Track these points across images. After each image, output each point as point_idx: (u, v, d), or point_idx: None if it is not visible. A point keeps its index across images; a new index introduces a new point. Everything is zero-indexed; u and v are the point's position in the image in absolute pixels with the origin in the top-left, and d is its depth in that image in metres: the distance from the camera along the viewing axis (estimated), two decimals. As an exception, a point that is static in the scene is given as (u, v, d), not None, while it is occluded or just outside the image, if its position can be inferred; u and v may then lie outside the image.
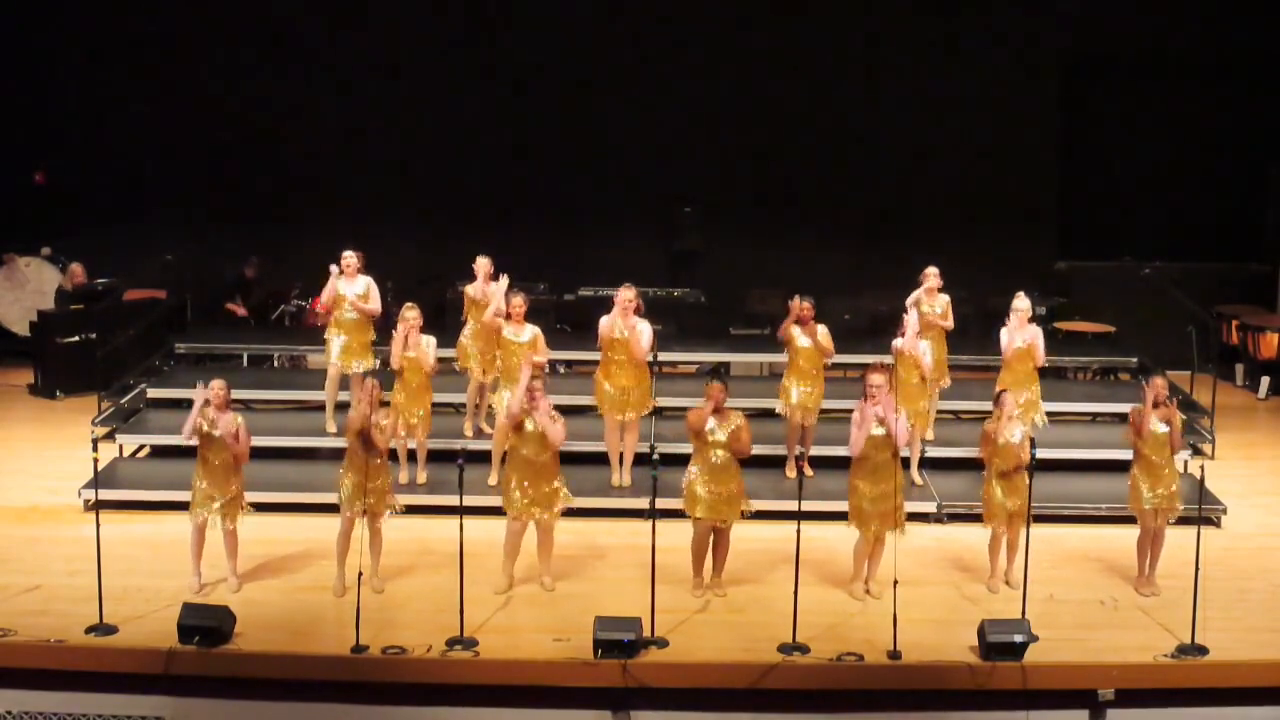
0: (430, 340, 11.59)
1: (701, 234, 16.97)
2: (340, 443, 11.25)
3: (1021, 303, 11.79)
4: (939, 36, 16.59)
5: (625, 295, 11.61)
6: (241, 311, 16.27)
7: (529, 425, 9.97)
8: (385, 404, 10.58)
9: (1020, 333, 11.72)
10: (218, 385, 9.95)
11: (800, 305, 11.65)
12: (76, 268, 15.77)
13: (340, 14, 16.73)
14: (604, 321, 11.62)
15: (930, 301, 12.41)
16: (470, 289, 12.33)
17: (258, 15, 16.57)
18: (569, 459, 11.62)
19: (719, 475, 9.93)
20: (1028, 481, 9.86)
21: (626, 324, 11.56)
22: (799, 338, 11.74)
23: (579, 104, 16.75)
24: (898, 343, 11.70)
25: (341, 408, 12.00)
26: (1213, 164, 16.93)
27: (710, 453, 9.92)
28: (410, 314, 11.51)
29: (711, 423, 9.92)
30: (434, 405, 11.75)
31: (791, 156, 16.72)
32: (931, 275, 12.41)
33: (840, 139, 16.69)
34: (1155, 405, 10.05)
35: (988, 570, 10.31)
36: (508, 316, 11.68)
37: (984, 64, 16.68)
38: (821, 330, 11.73)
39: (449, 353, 12.47)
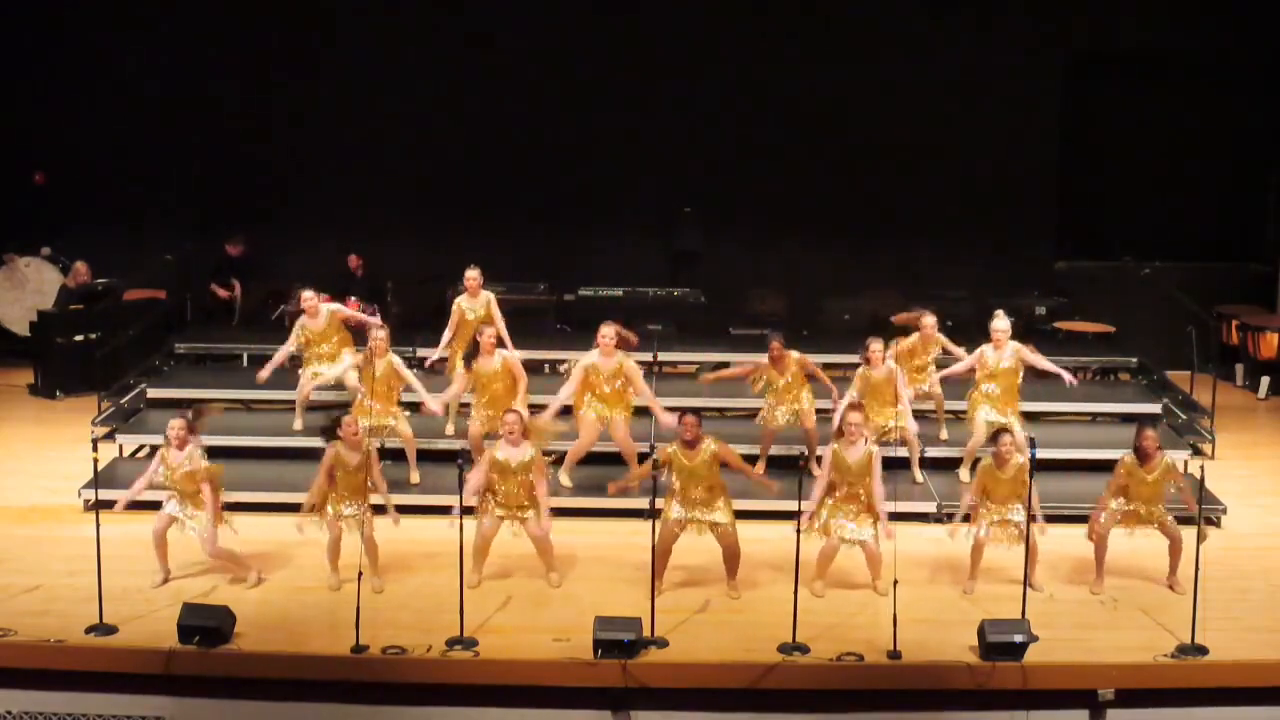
0: (398, 361, 11.67)
1: (701, 234, 16.95)
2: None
3: (1000, 323, 11.62)
4: (939, 36, 16.57)
5: (606, 332, 11.30)
6: (224, 294, 16.00)
7: (500, 456, 9.98)
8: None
9: (999, 354, 11.60)
10: (176, 425, 10.01)
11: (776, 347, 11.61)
12: (80, 265, 15.75)
13: (340, 15, 16.71)
14: (580, 368, 11.29)
15: (925, 350, 12.20)
16: (460, 300, 12.33)
17: (258, 16, 16.55)
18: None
19: (691, 503, 9.93)
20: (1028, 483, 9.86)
21: (612, 364, 11.28)
22: (772, 372, 11.74)
23: (579, 104, 16.71)
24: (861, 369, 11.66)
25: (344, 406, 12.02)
26: (1213, 164, 16.91)
27: (679, 479, 9.91)
28: (380, 334, 11.63)
29: (673, 447, 9.88)
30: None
31: (791, 156, 16.68)
32: (929, 325, 12.11)
33: (840, 138, 16.65)
34: (1145, 458, 10.00)
35: (987, 570, 10.28)
36: (474, 353, 11.51)
37: (985, 64, 16.65)
38: (797, 359, 11.71)
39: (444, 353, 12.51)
